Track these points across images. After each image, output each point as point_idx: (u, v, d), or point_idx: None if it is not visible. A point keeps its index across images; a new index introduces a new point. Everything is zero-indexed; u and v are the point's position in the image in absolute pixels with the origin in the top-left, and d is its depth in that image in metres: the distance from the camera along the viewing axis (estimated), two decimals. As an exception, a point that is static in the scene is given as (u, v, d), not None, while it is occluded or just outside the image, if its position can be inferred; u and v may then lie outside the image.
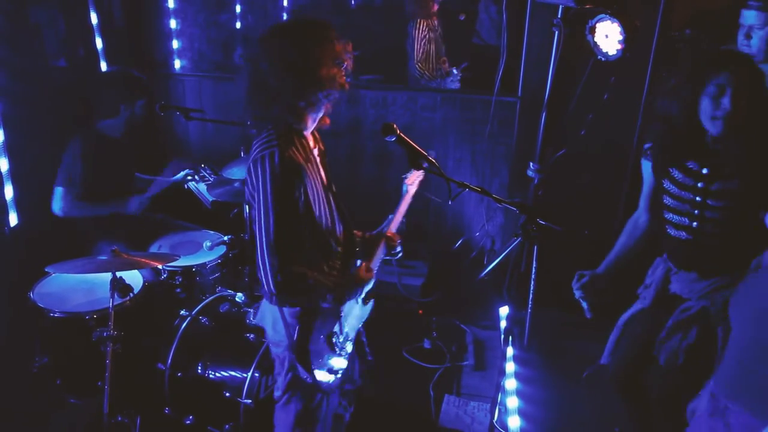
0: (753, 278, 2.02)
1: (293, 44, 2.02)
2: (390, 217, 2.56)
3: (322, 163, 2.27)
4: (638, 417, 2.82)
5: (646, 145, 2.50)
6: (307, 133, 2.21)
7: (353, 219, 2.48)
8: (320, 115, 2.19)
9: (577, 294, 2.55)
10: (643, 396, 2.74)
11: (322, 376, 2.22)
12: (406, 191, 2.59)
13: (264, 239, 2.00)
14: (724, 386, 1.95)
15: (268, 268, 1.99)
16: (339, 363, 2.30)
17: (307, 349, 2.15)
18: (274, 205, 1.99)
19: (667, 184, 2.40)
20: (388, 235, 2.52)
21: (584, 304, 2.55)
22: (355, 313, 2.37)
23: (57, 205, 3.36)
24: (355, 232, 2.46)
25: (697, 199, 2.31)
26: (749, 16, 2.85)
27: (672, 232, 2.43)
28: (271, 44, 2.05)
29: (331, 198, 2.25)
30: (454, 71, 5.20)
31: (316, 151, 2.24)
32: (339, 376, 2.30)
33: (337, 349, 2.26)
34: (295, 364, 2.20)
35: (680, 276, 2.49)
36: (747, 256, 2.19)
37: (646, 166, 2.52)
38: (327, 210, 2.21)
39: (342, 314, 2.28)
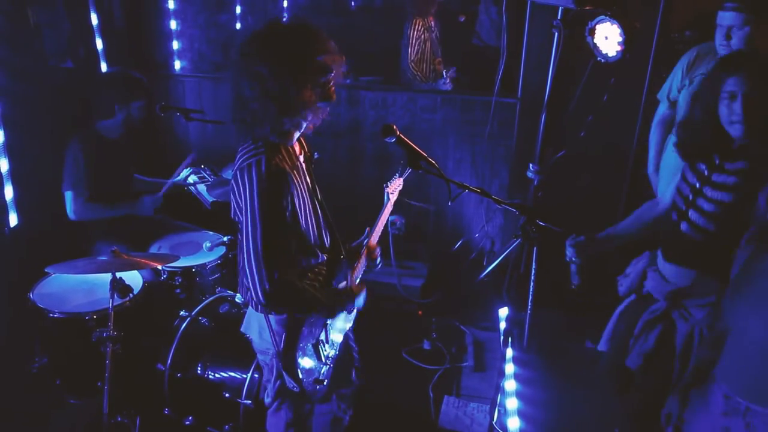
0: (750, 283, 2.02)
1: (273, 70, 1.94)
2: (367, 230, 2.53)
3: (308, 169, 2.25)
4: (632, 410, 2.84)
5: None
6: (294, 141, 2.19)
7: (355, 220, 2.48)
8: (307, 124, 2.15)
9: (569, 252, 2.53)
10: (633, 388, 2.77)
11: (309, 385, 2.21)
12: (388, 200, 2.57)
13: (252, 248, 1.97)
14: (744, 388, 1.95)
15: (255, 277, 1.96)
16: (324, 371, 2.29)
17: (293, 359, 2.14)
18: (261, 214, 1.96)
19: (685, 169, 2.42)
20: (370, 246, 2.50)
21: (573, 267, 2.54)
22: (340, 321, 2.37)
23: (69, 209, 3.37)
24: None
25: (697, 185, 2.32)
26: (727, 17, 2.89)
27: (671, 215, 2.46)
28: (250, 68, 1.97)
29: (317, 205, 2.23)
30: (444, 75, 5.19)
31: (302, 158, 2.22)
32: (326, 384, 2.29)
33: (323, 358, 2.25)
34: (282, 372, 2.18)
35: (654, 275, 2.51)
36: (723, 261, 2.18)
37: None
38: (313, 217, 2.20)
39: (329, 323, 2.27)
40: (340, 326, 2.37)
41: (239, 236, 2.15)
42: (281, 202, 2.02)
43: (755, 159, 2.18)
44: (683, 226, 2.35)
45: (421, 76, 5.05)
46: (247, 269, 1.98)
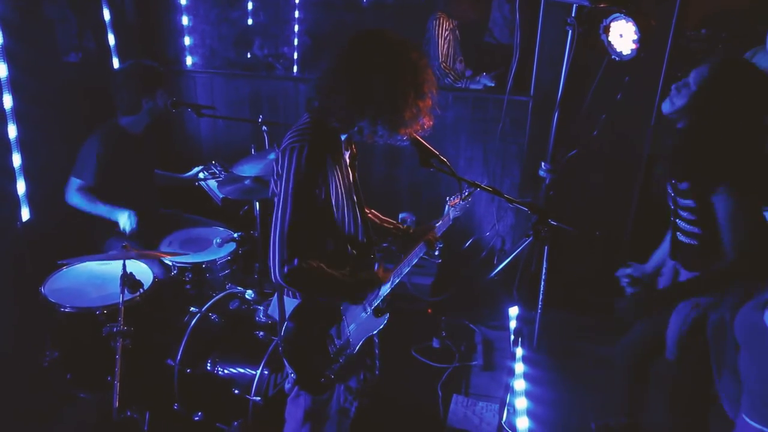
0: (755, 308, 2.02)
1: (403, 88, 1.97)
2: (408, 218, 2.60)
3: (352, 166, 2.25)
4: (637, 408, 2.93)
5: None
6: (343, 135, 2.18)
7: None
8: (366, 138, 2.15)
9: (623, 281, 2.68)
10: (645, 386, 2.84)
11: (311, 376, 2.19)
12: (446, 213, 2.68)
13: (278, 228, 1.99)
14: (753, 410, 1.94)
15: (277, 257, 1.97)
16: (333, 367, 2.25)
17: (296, 345, 2.14)
18: (293, 197, 1.98)
19: (668, 186, 2.50)
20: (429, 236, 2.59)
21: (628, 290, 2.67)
22: (362, 323, 2.33)
23: (67, 194, 3.38)
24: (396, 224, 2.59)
25: (675, 197, 2.44)
26: None
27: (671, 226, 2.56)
28: (383, 68, 1.97)
29: (354, 203, 2.23)
30: (485, 76, 5.13)
31: (347, 154, 2.21)
32: (332, 377, 2.27)
33: (331, 354, 2.23)
34: (282, 357, 2.18)
35: (683, 273, 2.55)
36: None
37: None
38: (349, 213, 2.19)
39: (344, 319, 2.25)
40: (359, 331, 2.33)
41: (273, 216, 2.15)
42: (313, 190, 2.03)
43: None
44: (679, 235, 2.48)
45: (453, 75, 4.98)
46: (270, 248, 2.00)
